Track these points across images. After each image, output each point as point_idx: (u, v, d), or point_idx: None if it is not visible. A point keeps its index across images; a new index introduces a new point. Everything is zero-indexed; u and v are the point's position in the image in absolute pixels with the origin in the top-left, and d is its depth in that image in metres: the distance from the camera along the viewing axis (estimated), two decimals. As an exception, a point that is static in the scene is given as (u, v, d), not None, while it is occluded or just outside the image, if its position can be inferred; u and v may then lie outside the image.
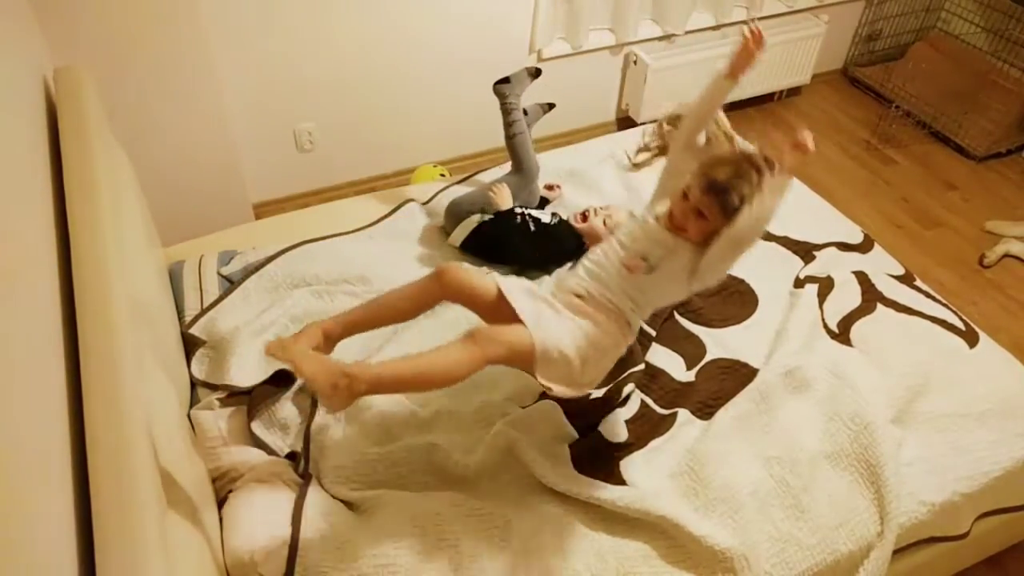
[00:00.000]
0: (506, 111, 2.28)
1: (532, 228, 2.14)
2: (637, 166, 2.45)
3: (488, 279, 1.55)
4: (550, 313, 1.49)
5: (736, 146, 1.65)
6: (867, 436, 1.67)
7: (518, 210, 2.17)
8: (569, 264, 2.01)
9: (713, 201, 1.45)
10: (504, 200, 2.18)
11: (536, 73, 2.34)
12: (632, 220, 1.61)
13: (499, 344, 1.37)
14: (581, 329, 1.49)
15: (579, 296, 1.53)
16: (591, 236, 2.19)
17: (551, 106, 2.46)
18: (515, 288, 1.53)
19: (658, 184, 1.67)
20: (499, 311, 1.48)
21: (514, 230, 2.11)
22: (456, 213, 2.20)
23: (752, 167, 1.45)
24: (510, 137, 2.29)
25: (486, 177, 2.50)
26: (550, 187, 2.45)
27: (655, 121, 1.89)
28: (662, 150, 1.90)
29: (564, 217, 2.25)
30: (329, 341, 1.51)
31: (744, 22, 2.13)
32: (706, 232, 1.49)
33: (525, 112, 2.34)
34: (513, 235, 2.11)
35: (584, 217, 2.21)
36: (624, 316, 1.54)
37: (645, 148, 2.02)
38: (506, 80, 2.29)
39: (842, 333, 1.98)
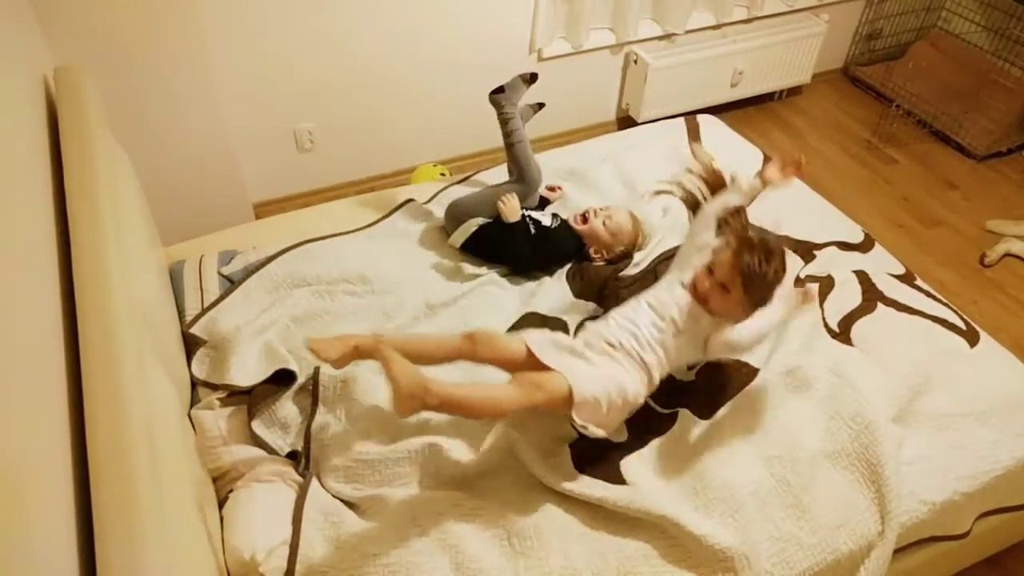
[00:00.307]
0: (503, 121, 2.24)
1: (532, 230, 2.14)
2: (655, 194, 2.38)
3: (516, 341, 1.61)
4: (582, 364, 1.58)
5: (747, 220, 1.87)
6: (868, 435, 1.67)
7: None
8: (598, 315, 1.93)
9: (739, 280, 1.58)
10: (512, 213, 2.11)
11: (531, 79, 2.30)
12: (661, 286, 1.72)
13: (542, 391, 1.48)
14: (612, 377, 1.57)
15: (611, 345, 1.62)
16: (591, 237, 2.19)
17: (541, 106, 2.41)
18: (545, 344, 1.60)
19: (682, 252, 1.80)
20: (532, 367, 1.56)
21: (514, 232, 2.11)
22: (456, 216, 2.20)
23: (779, 259, 1.61)
24: (510, 146, 2.24)
25: (486, 177, 2.50)
26: (551, 188, 2.45)
27: (690, 171, 1.95)
28: (686, 201, 1.96)
29: (564, 218, 2.25)
30: (355, 355, 1.56)
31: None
32: (727, 306, 1.62)
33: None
34: (513, 237, 2.11)
35: (584, 219, 2.20)
36: (649, 371, 1.63)
37: (669, 192, 2.05)
38: (501, 89, 2.25)
39: (843, 332, 1.98)
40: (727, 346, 1.63)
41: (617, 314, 1.69)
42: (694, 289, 1.66)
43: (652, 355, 1.62)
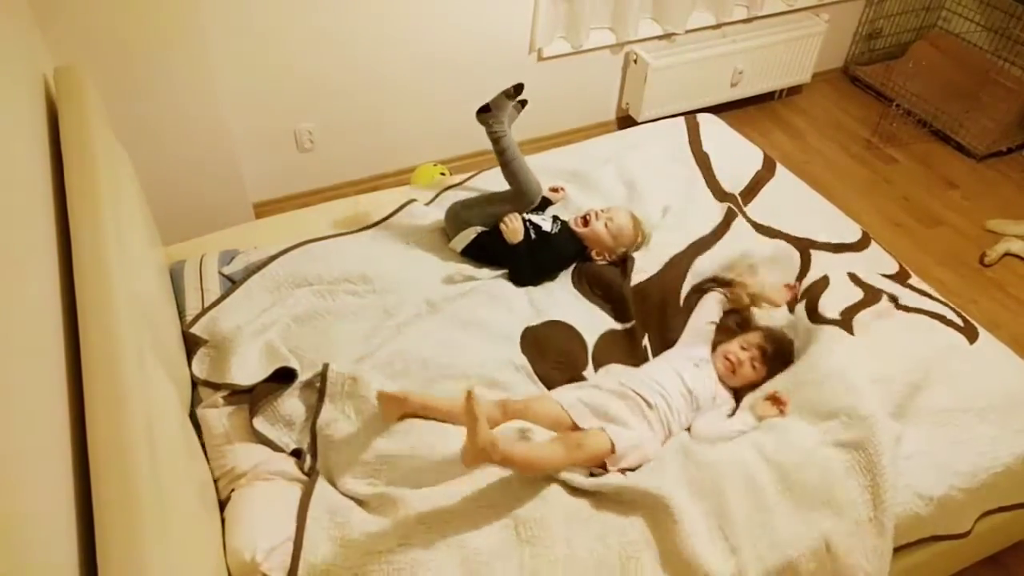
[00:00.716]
0: (494, 139, 2.14)
1: (533, 236, 2.12)
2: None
3: (552, 405, 1.72)
4: (618, 429, 1.69)
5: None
6: (864, 428, 1.67)
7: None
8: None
9: (767, 366, 1.89)
10: (515, 235, 2.09)
11: (516, 91, 2.17)
12: (694, 364, 1.90)
13: (583, 451, 1.62)
14: (644, 439, 1.71)
15: (649, 406, 1.76)
16: (593, 240, 2.18)
17: (523, 104, 2.28)
18: (582, 410, 1.72)
19: (693, 331, 2.02)
20: (570, 424, 1.70)
21: (515, 252, 2.10)
22: (456, 222, 2.19)
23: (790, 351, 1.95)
24: (504, 164, 2.15)
25: (486, 177, 2.50)
26: (554, 189, 2.44)
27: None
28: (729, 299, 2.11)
29: (565, 219, 2.24)
30: (399, 410, 1.67)
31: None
32: (748, 381, 1.89)
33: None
34: (514, 256, 2.10)
35: (585, 221, 2.18)
36: (671, 434, 1.79)
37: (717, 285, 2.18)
38: (487, 108, 2.14)
39: (844, 320, 1.97)
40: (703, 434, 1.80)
41: (657, 381, 1.81)
42: (725, 361, 1.90)
43: (677, 426, 1.79)
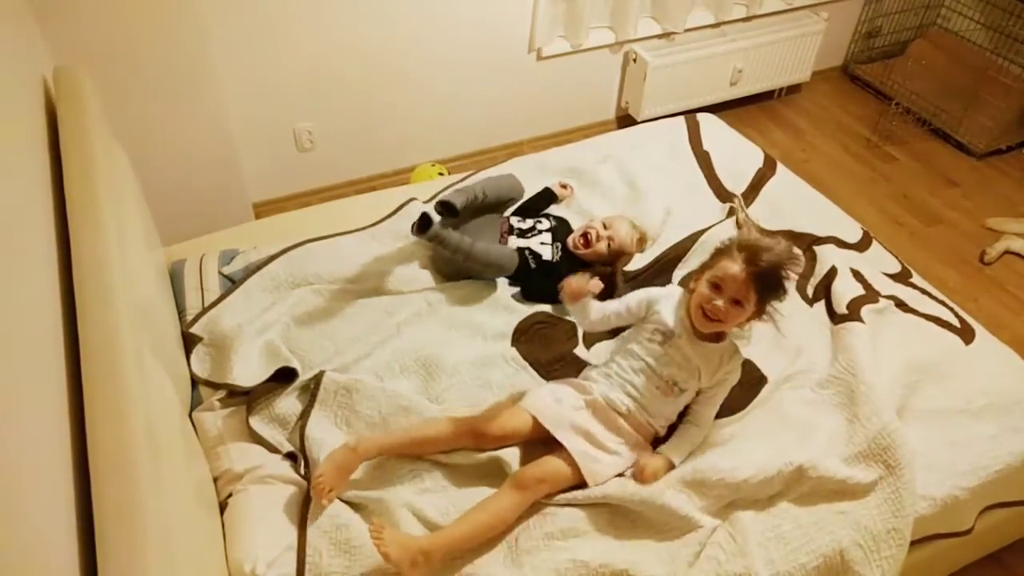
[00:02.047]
0: (445, 245, 1.95)
1: (532, 265, 2.08)
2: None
3: (520, 415, 1.64)
4: (598, 452, 1.61)
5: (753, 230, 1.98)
6: (886, 438, 1.66)
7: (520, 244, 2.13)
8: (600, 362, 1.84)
9: (753, 289, 1.55)
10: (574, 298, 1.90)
11: (438, 212, 2.00)
12: (658, 344, 1.68)
13: (547, 484, 1.54)
14: (624, 457, 1.64)
15: (621, 414, 1.65)
16: (593, 258, 2.14)
17: (452, 212, 2.01)
18: (555, 419, 1.62)
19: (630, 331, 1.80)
20: (540, 432, 1.62)
21: (523, 277, 2.09)
22: (451, 266, 2.14)
23: (793, 259, 1.57)
24: (464, 260, 1.98)
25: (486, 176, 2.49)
26: (563, 186, 2.42)
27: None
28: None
29: (566, 223, 2.23)
30: (356, 457, 1.56)
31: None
32: (744, 318, 1.59)
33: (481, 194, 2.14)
34: (514, 274, 2.08)
35: (587, 242, 2.13)
36: (655, 433, 1.70)
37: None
38: (425, 227, 1.91)
39: (852, 313, 1.97)
40: (709, 405, 1.70)
41: (622, 374, 1.69)
42: (702, 313, 1.59)
43: (660, 419, 1.69)
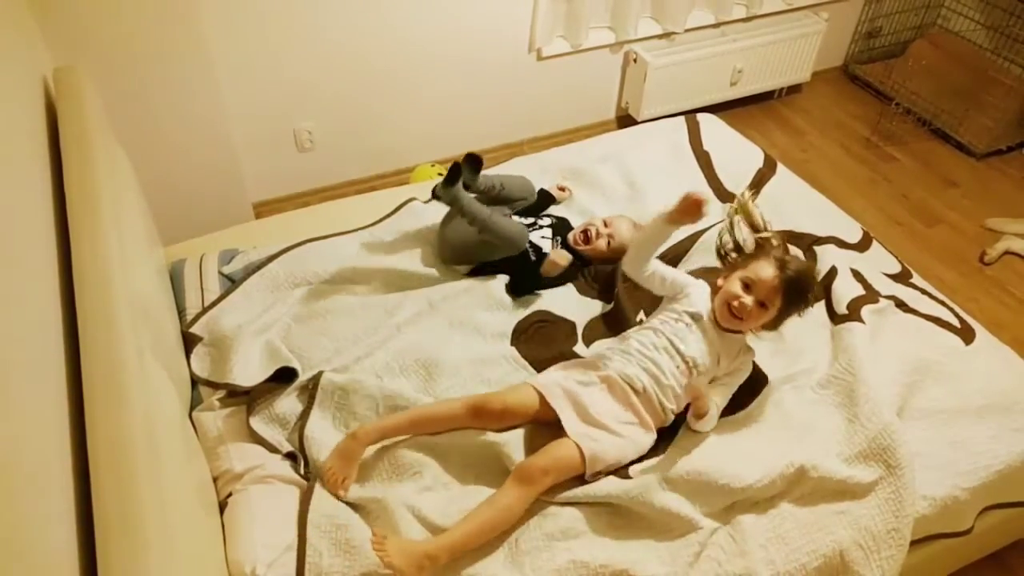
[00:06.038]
0: (463, 212, 2.01)
1: (533, 258, 2.10)
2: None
3: (526, 392, 1.65)
4: (599, 433, 1.60)
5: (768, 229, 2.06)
6: (886, 438, 1.66)
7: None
8: (618, 337, 1.88)
9: (780, 296, 1.66)
10: (554, 268, 2.07)
11: (464, 166, 2.06)
12: (685, 324, 1.72)
13: (552, 474, 1.52)
14: (629, 439, 1.63)
15: (636, 391, 1.66)
16: (593, 255, 2.16)
17: (477, 167, 2.14)
18: (562, 401, 1.62)
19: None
20: (547, 411, 1.62)
21: (515, 259, 2.09)
22: (454, 251, 2.15)
23: (812, 275, 1.72)
24: (480, 230, 2.02)
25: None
26: (561, 188, 2.42)
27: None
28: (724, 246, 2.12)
29: (567, 217, 2.23)
30: (358, 443, 1.58)
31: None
32: (764, 321, 1.69)
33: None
34: (513, 264, 2.09)
35: (587, 239, 2.14)
36: (666, 416, 1.69)
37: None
38: (454, 175, 1.98)
39: (852, 313, 1.97)
40: (725, 391, 1.72)
41: (642, 348, 1.70)
42: (727, 309, 1.68)
43: (673, 399, 1.68)
